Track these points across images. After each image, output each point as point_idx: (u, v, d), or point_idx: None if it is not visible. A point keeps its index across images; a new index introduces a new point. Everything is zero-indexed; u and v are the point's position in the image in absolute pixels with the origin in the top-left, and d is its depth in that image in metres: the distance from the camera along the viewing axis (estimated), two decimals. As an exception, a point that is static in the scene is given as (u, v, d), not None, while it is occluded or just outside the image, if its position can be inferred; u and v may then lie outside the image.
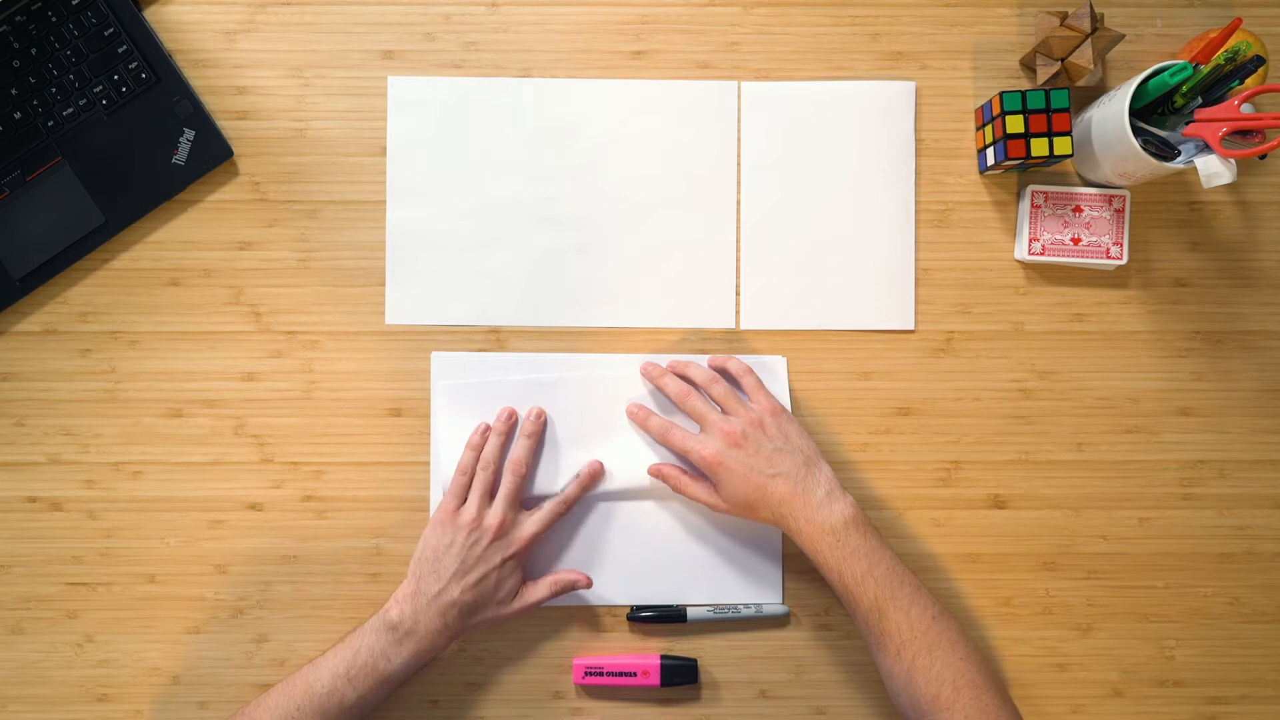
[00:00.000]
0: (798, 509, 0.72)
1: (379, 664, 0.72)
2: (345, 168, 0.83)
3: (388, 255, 0.82)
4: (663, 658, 0.80)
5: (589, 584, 0.78)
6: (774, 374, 0.82)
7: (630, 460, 0.81)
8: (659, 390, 0.79)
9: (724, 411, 0.76)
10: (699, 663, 0.80)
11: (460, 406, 0.81)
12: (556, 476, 0.80)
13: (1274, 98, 0.82)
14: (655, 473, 0.78)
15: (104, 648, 0.81)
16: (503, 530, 0.75)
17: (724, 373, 0.79)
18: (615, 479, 0.81)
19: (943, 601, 0.81)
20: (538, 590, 0.77)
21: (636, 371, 0.81)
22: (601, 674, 0.79)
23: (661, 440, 0.77)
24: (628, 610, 0.81)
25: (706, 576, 0.81)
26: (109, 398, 0.82)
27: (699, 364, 0.79)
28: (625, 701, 0.81)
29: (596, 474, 0.79)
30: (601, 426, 0.81)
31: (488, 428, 0.79)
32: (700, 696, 0.81)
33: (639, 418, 0.79)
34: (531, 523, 0.77)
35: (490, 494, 0.77)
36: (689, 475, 0.77)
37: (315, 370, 0.82)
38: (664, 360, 0.81)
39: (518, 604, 0.76)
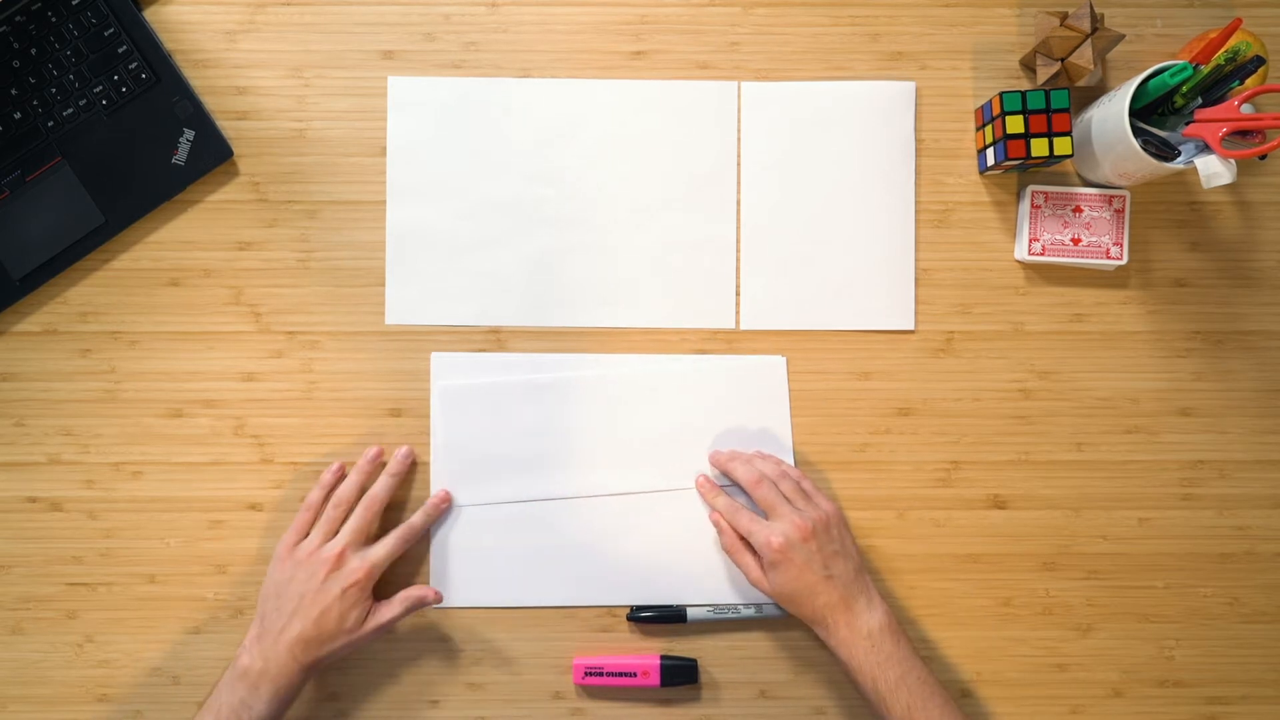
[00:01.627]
0: (840, 614, 0.74)
1: (242, 715, 0.71)
2: (345, 168, 0.83)
3: (388, 255, 0.82)
4: (663, 658, 0.80)
5: (438, 598, 0.77)
6: (774, 374, 0.82)
7: (630, 463, 0.81)
8: (726, 474, 0.80)
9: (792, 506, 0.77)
10: (699, 663, 0.80)
11: (459, 407, 0.81)
12: (557, 476, 0.80)
13: (1274, 98, 0.82)
14: (715, 523, 0.79)
15: (104, 648, 0.81)
16: (341, 562, 0.74)
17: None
18: (616, 482, 0.81)
19: (943, 602, 0.82)
20: (389, 609, 0.76)
21: (635, 372, 0.81)
22: (601, 674, 0.79)
23: (729, 518, 0.78)
24: (627, 610, 0.81)
25: (706, 576, 0.81)
26: (109, 398, 0.82)
27: (764, 457, 0.80)
28: (625, 702, 0.81)
29: (443, 501, 0.80)
30: (602, 426, 0.81)
31: (342, 466, 0.80)
32: (700, 696, 0.81)
33: (707, 491, 0.80)
34: (375, 550, 0.76)
35: (335, 531, 0.77)
36: (744, 545, 0.78)
37: (315, 370, 0.82)
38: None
39: (369, 626, 0.75)
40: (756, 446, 0.82)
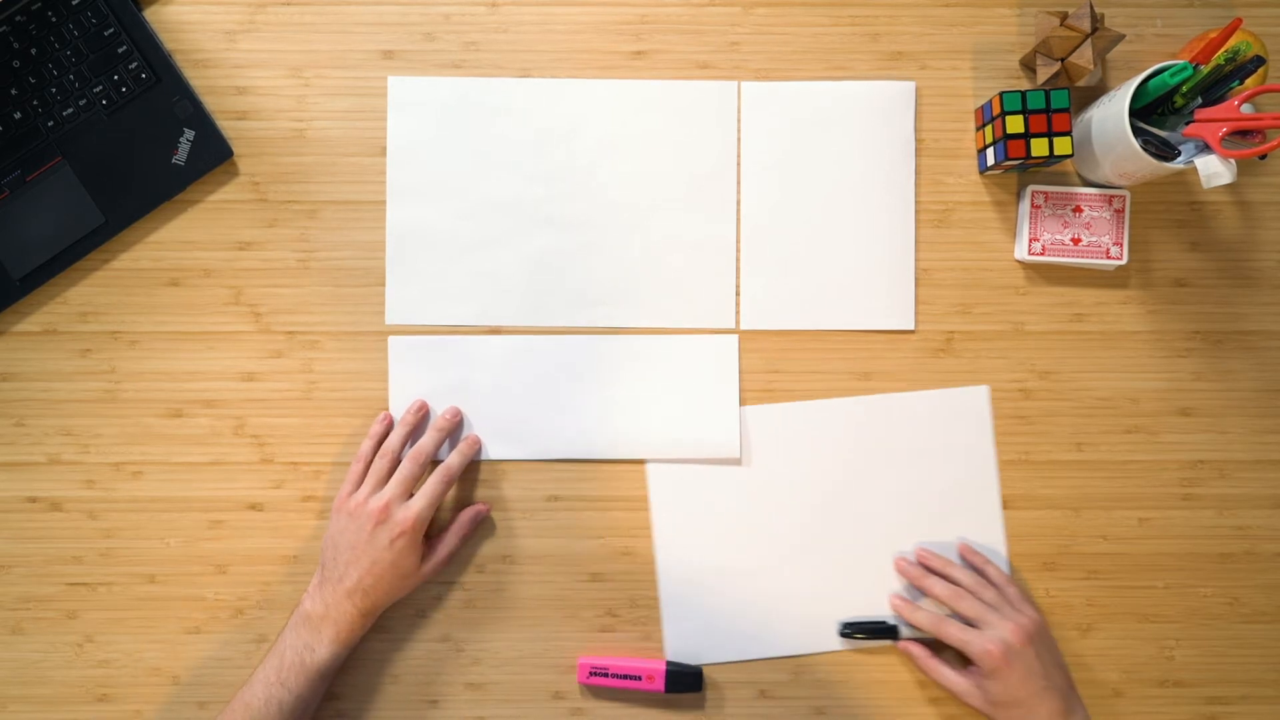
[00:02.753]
0: None
1: (305, 657, 0.74)
2: (345, 168, 0.83)
3: (388, 255, 0.82)
4: (668, 664, 0.79)
5: (488, 509, 0.80)
6: (975, 404, 0.82)
7: (592, 426, 0.81)
8: (924, 590, 0.79)
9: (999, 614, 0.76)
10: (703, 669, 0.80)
11: (415, 361, 0.82)
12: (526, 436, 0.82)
13: (1274, 98, 0.82)
14: (905, 650, 0.79)
15: (104, 648, 0.81)
16: (387, 513, 0.76)
17: (982, 574, 0.79)
18: (583, 444, 0.81)
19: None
20: (444, 545, 0.79)
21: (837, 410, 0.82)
22: (606, 675, 0.79)
23: (935, 632, 0.77)
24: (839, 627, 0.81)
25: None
26: (109, 398, 0.82)
27: (960, 569, 0.79)
28: (626, 703, 0.81)
29: (474, 443, 0.81)
30: (801, 463, 0.81)
31: (389, 416, 0.81)
32: (701, 696, 0.81)
33: (906, 611, 0.79)
34: (416, 500, 0.77)
35: (385, 481, 0.78)
36: (940, 659, 0.77)
37: (315, 370, 0.82)
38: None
39: (428, 567, 0.78)
40: (959, 483, 0.81)
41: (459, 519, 0.80)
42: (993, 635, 0.74)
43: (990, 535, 0.81)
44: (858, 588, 0.81)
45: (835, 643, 0.81)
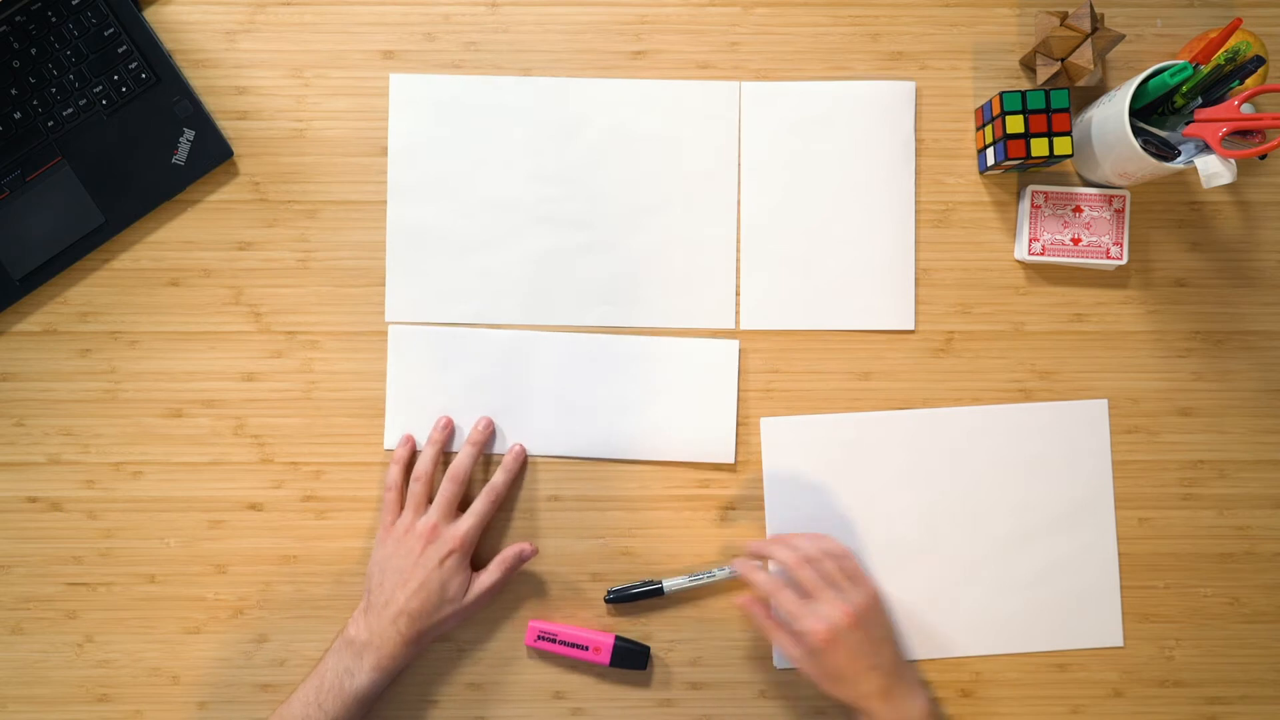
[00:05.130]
0: (882, 701, 0.73)
1: (344, 682, 0.74)
2: (345, 168, 0.83)
3: (388, 255, 0.82)
4: (617, 638, 0.79)
5: (534, 551, 0.79)
6: (1094, 417, 0.81)
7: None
8: (766, 555, 0.78)
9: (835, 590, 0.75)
10: (651, 650, 0.80)
11: (414, 353, 0.81)
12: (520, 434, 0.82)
13: (1274, 98, 0.82)
14: (743, 607, 0.79)
15: (104, 648, 0.81)
16: (435, 534, 0.76)
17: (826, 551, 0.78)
18: (582, 442, 0.81)
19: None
20: (488, 575, 0.78)
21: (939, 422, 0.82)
22: (554, 640, 0.79)
23: (771, 593, 0.76)
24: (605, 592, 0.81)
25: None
26: (109, 398, 0.82)
27: (808, 536, 0.78)
28: (626, 702, 0.81)
29: (519, 456, 0.81)
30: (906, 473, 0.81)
31: (409, 438, 0.80)
32: (700, 696, 0.81)
33: (746, 569, 0.78)
34: (465, 519, 0.77)
35: (425, 504, 0.78)
36: (776, 623, 0.77)
37: (315, 370, 0.82)
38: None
39: (471, 596, 0.77)
40: (1073, 498, 0.81)
41: (503, 554, 0.79)
42: (821, 613, 0.73)
43: (1102, 551, 0.81)
44: (968, 596, 0.80)
45: (945, 648, 0.80)
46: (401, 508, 0.79)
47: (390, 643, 0.75)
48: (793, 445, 0.82)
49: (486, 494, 0.79)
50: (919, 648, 0.81)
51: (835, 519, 0.81)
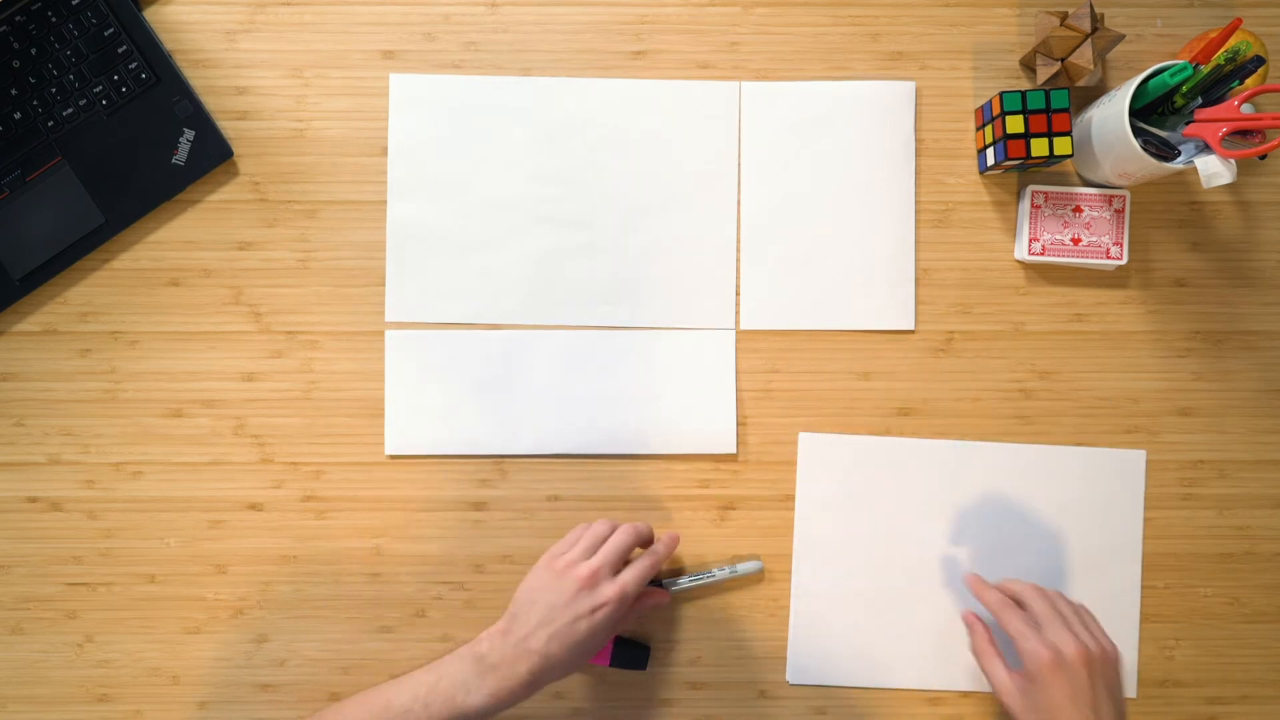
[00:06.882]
0: None
1: (457, 694, 0.70)
2: (345, 168, 0.83)
3: (388, 255, 0.82)
4: (617, 638, 0.79)
5: (668, 599, 0.79)
6: (1131, 467, 0.81)
7: (594, 422, 0.81)
8: (997, 590, 0.76)
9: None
10: (650, 650, 0.80)
11: (413, 356, 0.81)
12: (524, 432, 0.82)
13: (1274, 98, 0.82)
14: (968, 620, 0.78)
15: (104, 648, 0.81)
16: (594, 580, 0.72)
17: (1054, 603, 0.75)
18: (580, 439, 0.81)
19: (944, 602, 0.81)
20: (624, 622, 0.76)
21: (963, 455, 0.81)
22: None
23: (998, 612, 0.73)
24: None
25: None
26: (109, 398, 0.82)
27: (1029, 585, 0.76)
28: (626, 702, 0.81)
29: (675, 540, 0.78)
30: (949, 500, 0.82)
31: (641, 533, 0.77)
32: (700, 696, 0.81)
33: (979, 584, 0.77)
34: (626, 574, 0.73)
35: (595, 549, 0.74)
36: (996, 649, 0.74)
37: (315, 370, 0.82)
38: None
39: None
40: (1099, 546, 0.80)
41: (640, 600, 0.77)
42: (1050, 640, 0.70)
43: (1125, 604, 0.81)
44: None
45: (964, 682, 0.80)
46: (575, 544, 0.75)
47: (515, 678, 0.70)
48: (829, 463, 0.82)
49: (649, 556, 0.75)
50: (943, 678, 0.81)
51: (864, 539, 0.81)
